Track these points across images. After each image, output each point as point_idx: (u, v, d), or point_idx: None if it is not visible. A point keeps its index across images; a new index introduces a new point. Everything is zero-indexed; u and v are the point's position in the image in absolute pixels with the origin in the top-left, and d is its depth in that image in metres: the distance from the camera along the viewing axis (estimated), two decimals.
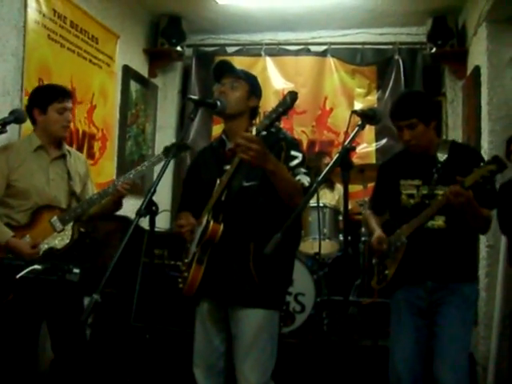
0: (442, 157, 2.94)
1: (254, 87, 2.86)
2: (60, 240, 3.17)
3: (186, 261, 2.78)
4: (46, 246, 3.13)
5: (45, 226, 3.16)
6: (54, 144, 3.31)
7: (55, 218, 3.17)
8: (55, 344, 3.27)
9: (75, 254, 3.26)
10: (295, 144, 2.79)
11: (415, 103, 2.93)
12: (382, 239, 3.04)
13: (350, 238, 4.52)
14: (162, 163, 3.08)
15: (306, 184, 2.65)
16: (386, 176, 3.21)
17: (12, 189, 3.14)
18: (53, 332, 3.26)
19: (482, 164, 2.67)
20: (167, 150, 3.09)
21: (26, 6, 4.39)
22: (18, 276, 2.81)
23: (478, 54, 5.42)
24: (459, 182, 2.67)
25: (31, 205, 3.15)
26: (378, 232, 3.09)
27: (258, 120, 2.81)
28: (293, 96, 2.42)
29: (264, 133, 2.47)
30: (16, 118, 3.12)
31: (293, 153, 2.71)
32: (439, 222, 2.91)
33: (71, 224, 3.20)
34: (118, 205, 3.34)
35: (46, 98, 3.25)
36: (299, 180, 2.65)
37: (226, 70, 2.85)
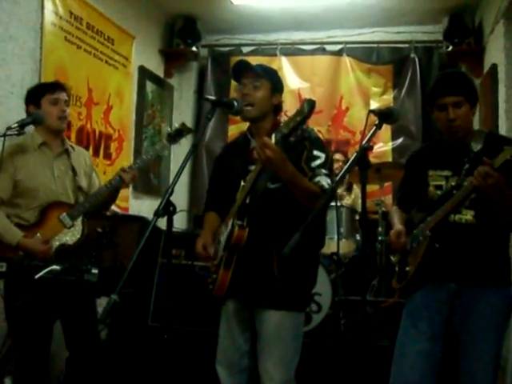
0: (476, 147, 2.65)
1: (275, 83, 2.80)
2: (71, 236, 3.15)
3: (215, 262, 2.77)
4: (57, 243, 3.11)
5: (54, 223, 3.13)
6: (56, 140, 3.28)
7: (64, 214, 3.14)
8: (70, 342, 3.27)
9: (93, 254, 3.26)
10: (319, 143, 2.72)
11: (464, 81, 2.71)
12: (401, 232, 2.75)
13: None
14: (168, 154, 3.10)
15: (326, 186, 2.57)
16: (413, 166, 2.93)
17: (18, 188, 3.12)
18: (67, 331, 3.26)
19: None
20: (170, 137, 3.07)
21: (42, 7, 4.44)
22: (36, 276, 2.81)
23: (495, 51, 5.38)
24: (487, 163, 2.38)
25: (39, 202, 3.13)
26: (397, 226, 2.80)
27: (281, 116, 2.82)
28: (310, 104, 2.34)
29: (292, 138, 2.41)
30: (34, 119, 3.11)
31: (315, 153, 2.65)
32: (468, 216, 2.63)
33: (81, 219, 3.18)
34: (114, 196, 3.37)
35: (38, 92, 3.23)
36: (318, 182, 2.59)
37: (245, 68, 2.78)
